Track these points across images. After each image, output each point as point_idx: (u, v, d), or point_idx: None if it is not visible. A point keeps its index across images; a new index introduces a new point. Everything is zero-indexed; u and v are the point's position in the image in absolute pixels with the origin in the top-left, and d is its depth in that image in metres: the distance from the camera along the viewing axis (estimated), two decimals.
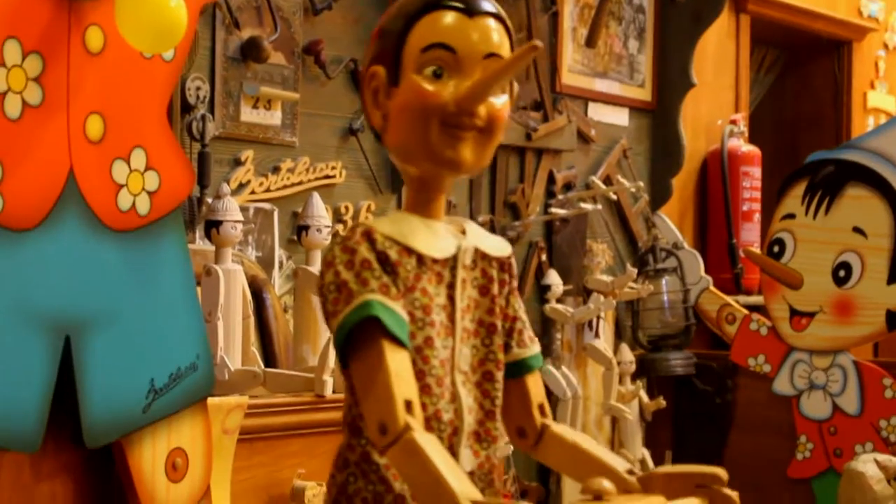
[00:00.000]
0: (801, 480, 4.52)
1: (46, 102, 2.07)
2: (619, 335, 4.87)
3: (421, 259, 1.87)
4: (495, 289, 1.96)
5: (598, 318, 4.58)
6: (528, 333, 2.02)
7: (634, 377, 4.72)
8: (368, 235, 1.83)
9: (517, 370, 1.99)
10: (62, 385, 2.13)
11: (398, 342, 1.77)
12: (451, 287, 1.90)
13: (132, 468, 2.26)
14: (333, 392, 2.90)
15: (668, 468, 1.90)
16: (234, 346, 2.95)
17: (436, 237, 1.89)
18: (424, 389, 1.83)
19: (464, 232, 1.94)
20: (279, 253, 3.84)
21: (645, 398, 4.73)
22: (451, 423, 1.87)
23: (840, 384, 4.49)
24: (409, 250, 1.85)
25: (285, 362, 3.33)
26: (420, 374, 1.83)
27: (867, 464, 3.98)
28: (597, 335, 4.61)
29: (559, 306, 4.49)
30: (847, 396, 4.48)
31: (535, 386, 2.01)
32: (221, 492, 2.66)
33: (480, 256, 1.95)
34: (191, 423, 2.35)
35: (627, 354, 4.67)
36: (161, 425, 2.29)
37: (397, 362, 1.76)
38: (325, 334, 3.05)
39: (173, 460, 2.32)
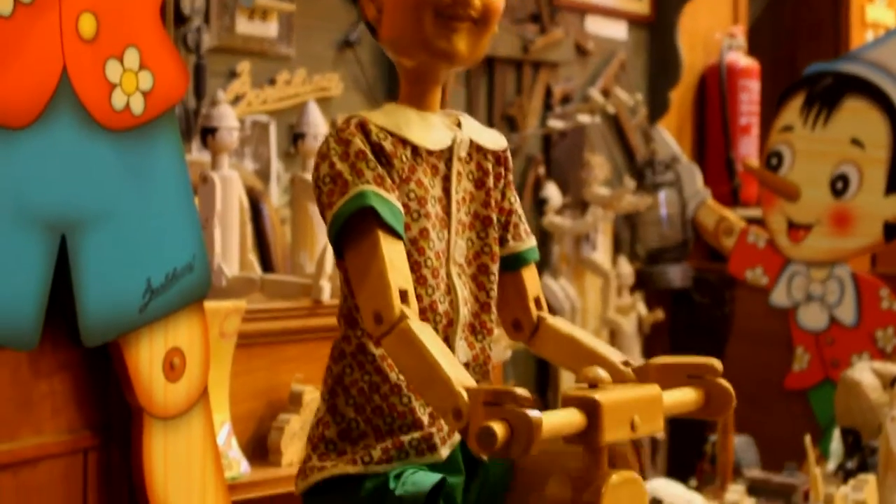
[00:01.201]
0: (798, 391, 4.54)
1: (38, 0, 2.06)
2: (617, 248, 4.87)
3: (416, 150, 1.86)
4: (491, 182, 1.96)
5: (596, 231, 4.59)
6: (524, 227, 2.03)
7: (632, 290, 4.74)
8: (363, 127, 1.83)
9: (513, 263, 2.00)
10: (59, 284, 2.13)
11: (393, 233, 1.78)
12: (447, 179, 1.90)
13: (130, 367, 2.26)
14: (331, 297, 2.91)
15: (663, 359, 1.91)
16: (232, 252, 2.95)
17: (431, 129, 1.89)
18: (420, 281, 1.84)
19: (459, 124, 1.94)
20: (276, 166, 3.84)
21: (643, 311, 4.75)
22: (446, 315, 1.88)
23: (837, 295, 4.51)
24: (403, 142, 1.85)
25: (283, 272, 3.33)
26: (415, 266, 1.84)
27: (863, 372, 3.99)
28: (594, 248, 4.61)
29: (557, 219, 4.49)
30: (844, 308, 4.49)
31: (530, 279, 2.01)
32: (220, 395, 2.67)
33: (476, 149, 1.95)
34: (188, 324, 2.35)
35: (625, 267, 4.68)
36: (158, 325, 2.29)
37: (392, 252, 1.76)
38: (322, 241, 3.06)
39: (171, 360, 2.32)
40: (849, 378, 4.00)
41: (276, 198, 3.75)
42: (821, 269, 4.54)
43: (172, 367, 2.33)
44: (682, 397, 1.82)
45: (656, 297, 4.89)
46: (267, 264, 3.33)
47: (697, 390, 1.84)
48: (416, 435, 1.84)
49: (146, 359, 2.28)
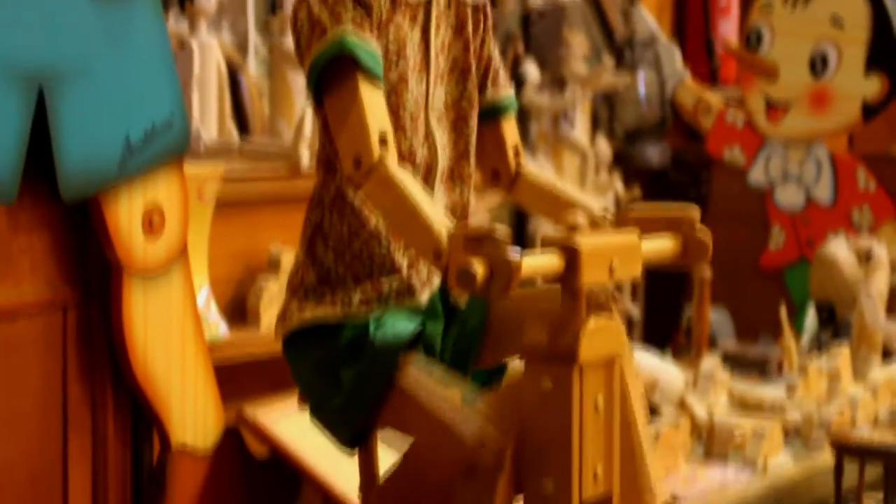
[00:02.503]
0: (774, 270, 4.56)
1: None
2: (595, 127, 4.85)
3: None
4: (469, 29, 1.95)
5: (574, 109, 4.57)
6: (503, 76, 2.02)
7: (610, 169, 4.73)
8: None
9: (492, 112, 1.99)
10: (38, 140, 2.13)
11: (372, 77, 1.77)
12: (426, 27, 1.89)
13: (109, 224, 2.26)
14: (310, 163, 2.90)
15: (642, 207, 1.91)
16: (210, 117, 2.94)
17: None
18: (398, 126, 1.83)
19: None
20: (253, 38, 3.80)
21: (620, 189, 4.75)
22: (424, 162, 1.88)
23: (814, 175, 4.51)
24: None
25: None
26: (394, 112, 1.83)
27: (839, 248, 4.02)
28: (572, 126, 4.60)
29: (535, 97, 4.47)
30: (821, 187, 4.50)
31: (509, 128, 2.01)
32: (199, 258, 2.68)
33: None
34: (167, 182, 2.35)
35: (603, 146, 4.66)
36: (137, 182, 2.29)
37: (371, 97, 1.76)
38: (300, 108, 3.05)
39: (150, 217, 2.32)
40: (824, 253, 4.03)
41: (253, 69, 3.71)
42: (798, 149, 4.54)
43: (152, 224, 2.33)
44: (660, 245, 1.83)
45: (634, 175, 4.87)
46: (245, 133, 3.32)
47: (675, 239, 1.85)
48: (396, 280, 1.85)
49: (125, 215, 2.28)
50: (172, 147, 2.33)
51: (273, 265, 2.83)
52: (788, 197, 4.56)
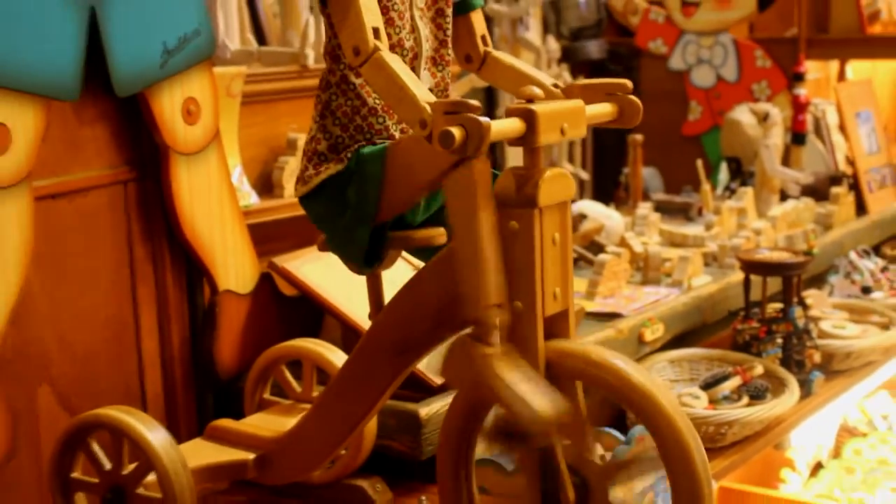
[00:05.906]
0: (693, 136, 4.57)
1: None
2: (545, 29, 4.81)
3: None
4: None
5: (528, 14, 4.53)
6: None
7: (559, 62, 4.70)
8: None
9: (462, 7, 1.97)
10: (94, 49, 2.12)
11: None
12: None
13: (155, 113, 2.26)
14: (314, 63, 2.89)
15: (584, 81, 1.91)
16: (233, 31, 2.91)
17: None
18: (388, 22, 1.81)
19: None
20: None
21: (568, 78, 4.72)
22: (411, 50, 1.86)
23: (722, 58, 4.49)
24: None
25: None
26: (384, 10, 1.81)
27: (742, 113, 4.02)
28: (527, 29, 4.56)
29: (496, 6, 4.43)
30: (727, 67, 4.48)
31: (477, 20, 1.99)
32: (231, 143, 2.68)
33: None
34: (199, 78, 2.34)
35: (553, 44, 4.62)
36: (175, 80, 2.28)
37: None
38: (305, 19, 3.02)
39: (188, 107, 2.32)
40: (730, 118, 4.03)
41: None
42: (708, 38, 4.52)
43: (189, 112, 2.32)
44: (601, 109, 1.82)
45: (578, 67, 4.85)
46: (263, 44, 3.29)
47: (613, 104, 1.85)
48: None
49: (168, 106, 2.28)
50: (202, 50, 2.32)
51: (291, 146, 2.83)
52: (702, 77, 4.55)
